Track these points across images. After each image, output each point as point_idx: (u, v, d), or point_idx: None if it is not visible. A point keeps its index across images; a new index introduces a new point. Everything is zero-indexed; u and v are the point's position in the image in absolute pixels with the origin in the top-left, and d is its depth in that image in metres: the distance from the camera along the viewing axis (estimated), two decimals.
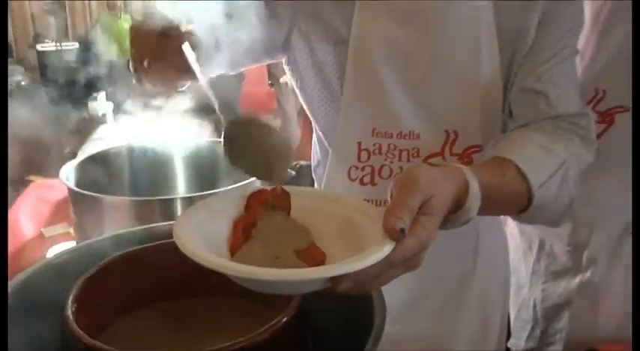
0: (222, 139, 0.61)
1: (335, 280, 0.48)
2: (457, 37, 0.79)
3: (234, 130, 0.61)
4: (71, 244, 1.41)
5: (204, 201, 0.59)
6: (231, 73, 0.89)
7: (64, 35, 4.75)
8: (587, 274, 1.13)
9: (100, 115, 2.10)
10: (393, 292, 0.58)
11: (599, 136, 1.04)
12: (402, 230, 0.49)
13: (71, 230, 1.58)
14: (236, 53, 0.82)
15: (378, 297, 0.57)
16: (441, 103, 0.82)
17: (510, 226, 1.24)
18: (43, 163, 2.06)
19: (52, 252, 1.30)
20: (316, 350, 0.61)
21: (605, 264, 1.12)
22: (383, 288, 0.55)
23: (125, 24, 5.92)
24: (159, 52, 0.72)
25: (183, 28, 0.72)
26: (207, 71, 0.84)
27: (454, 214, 0.59)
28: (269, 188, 0.59)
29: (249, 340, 0.50)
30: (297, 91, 0.92)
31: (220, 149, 1.27)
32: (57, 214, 1.66)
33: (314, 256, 0.55)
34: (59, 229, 1.59)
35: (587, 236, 1.12)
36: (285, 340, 0.54)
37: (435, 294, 0.95)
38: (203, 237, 0.52)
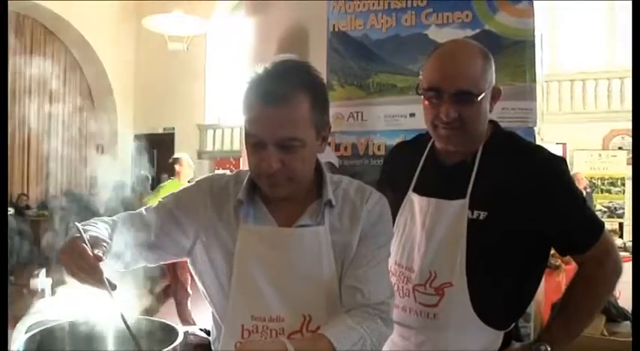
0: None
1: None
2: (305, 252, 1.17)
3: None
4: None
5: None
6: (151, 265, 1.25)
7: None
8: None
9: (39, 290, 2.31)
10: None
11: (436, 304, 1.43)
12: None
13: None
14: (151, 254, 1.21)
15: None
16: (299, 297, 1.17)
17: None
18: None
19: None
20: None
21: None
22: None
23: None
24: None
25: (95, 266, 1.00)
26: (130, 266, 1.19)
27: None
28: None
29: None
30: (199, 285, 1.27)
31: (146, 325, 1.52)
32: None
33: None
34: None
35: None
36: None
37: None
38: None
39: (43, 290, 2.37)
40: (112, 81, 10.43)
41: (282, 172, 1.13)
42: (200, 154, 10.81)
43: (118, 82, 10.50)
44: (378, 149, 2.54)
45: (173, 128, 10.61)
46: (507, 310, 1.45)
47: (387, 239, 1.26)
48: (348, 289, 1.18)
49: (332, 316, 1.16)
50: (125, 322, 0.95)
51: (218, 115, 10.82)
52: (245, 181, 1.23)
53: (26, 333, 1.53)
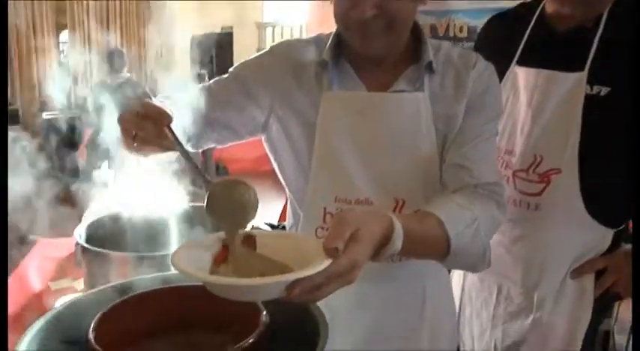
0: (205, 198, 0.77)
1: (288, 288, 0.64)
2: (401, 123, 0.98)
3: (214, 190, 0.77)
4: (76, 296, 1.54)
5: (194, 240, 0.78)
6: (219, 147, 1.08)
7: (67, 102, 4.97)
8: (538, 314, 1.26)
9: (102, 182, 2.27)
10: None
11: (540, 193, 1.23)
12: (336, 249, 0.66)
13: (75, 284, 1.71)
14: (222, 133, 1.02)
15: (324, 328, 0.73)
16: (391, 176, 0.98)
17: (470, 278, 1.39)
18: (46, 225, 2.22)
19: (60, 303, 1.43)
20: None
21: (552, 304, 1.25)
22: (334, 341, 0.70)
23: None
24: (143, 133, 0.83)
25: (163, 111, 0.82)
26: (198, 147, 1.02)
27: (384, 247, 0.74)
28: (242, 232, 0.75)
29: None
30: (274, 164, 1.10)
31: (202, 212, 1.43)
32: (62, 269, 1.81)
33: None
34: (64, 283, 1.73)
35: (536, 279, 1.26)
36: None
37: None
38: (192, 264, 0.69)
39: (106, 182, 2.33)
40: None
41: (378, 20, 0.92)
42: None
43: None
44: (460, 31, 2.28)
45: (231, 27, 10.36)
46: (621, 204, 1.22)
47: (496, 114, 1.04)
48: (452, 168, 0.98)
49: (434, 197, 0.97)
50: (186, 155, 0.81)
51: (276, 13, 10.46)
52: (329, 41, 1.03)
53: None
